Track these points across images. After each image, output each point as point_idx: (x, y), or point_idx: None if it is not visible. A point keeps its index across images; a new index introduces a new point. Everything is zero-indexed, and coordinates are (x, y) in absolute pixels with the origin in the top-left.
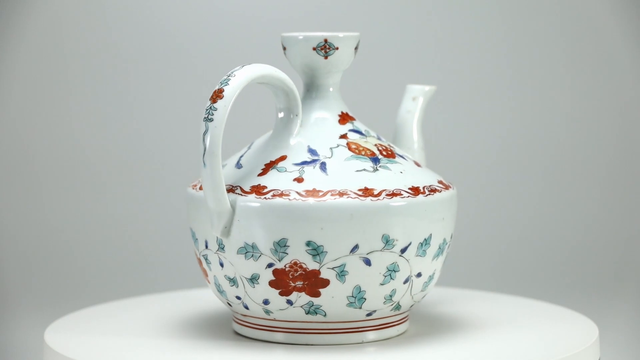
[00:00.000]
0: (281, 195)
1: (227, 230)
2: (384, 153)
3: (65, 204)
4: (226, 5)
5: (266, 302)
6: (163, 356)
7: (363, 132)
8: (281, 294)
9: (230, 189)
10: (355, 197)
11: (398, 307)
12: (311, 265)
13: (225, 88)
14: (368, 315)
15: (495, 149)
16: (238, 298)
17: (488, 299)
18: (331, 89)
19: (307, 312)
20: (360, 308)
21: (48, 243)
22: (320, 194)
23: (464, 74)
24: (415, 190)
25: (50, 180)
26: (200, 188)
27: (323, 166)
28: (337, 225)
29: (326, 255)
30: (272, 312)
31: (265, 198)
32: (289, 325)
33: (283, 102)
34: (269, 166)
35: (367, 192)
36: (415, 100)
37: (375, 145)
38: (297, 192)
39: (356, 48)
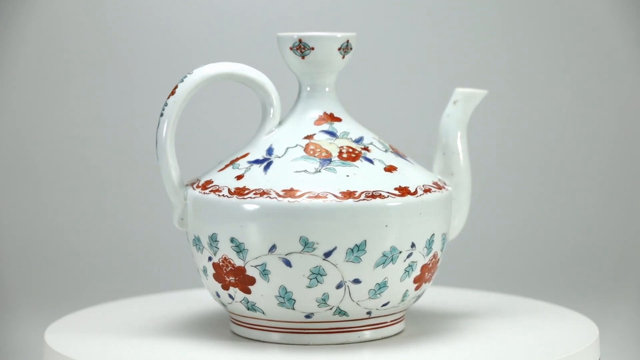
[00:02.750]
0: (215, 191)
1: (183, 222)
2: (345, 155)
3: (65, 204)
4: (229, 6)
5: (217, 294)
6: (163, 356)
7: (338, 133)
8: (222, 287)
9: (192, 183)
10: (274, 198)
11: (342, 312)
12: (237, 261)
13: (179, 85)
14: (307, 317)
15: (494, 149)
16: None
17: (488, 299)
18: (327, 89)
19: (247, 309)
20: (294, 309)
21: (48, 243)
22: (246, 192)
23: (463, 74)
24: (348, 195)
25: (50, 180)
26: (194, 185)
27: (268, 165)
28: (255, 224)
29: (248, 253)
30: (226, 305)
31: (204, 193)
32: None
33: (261, 99)
34: (232, 162)
35: (289, 193)
36: (455, 104)
37: (341, 147)
38: (228, 189)
39: (343, 49)
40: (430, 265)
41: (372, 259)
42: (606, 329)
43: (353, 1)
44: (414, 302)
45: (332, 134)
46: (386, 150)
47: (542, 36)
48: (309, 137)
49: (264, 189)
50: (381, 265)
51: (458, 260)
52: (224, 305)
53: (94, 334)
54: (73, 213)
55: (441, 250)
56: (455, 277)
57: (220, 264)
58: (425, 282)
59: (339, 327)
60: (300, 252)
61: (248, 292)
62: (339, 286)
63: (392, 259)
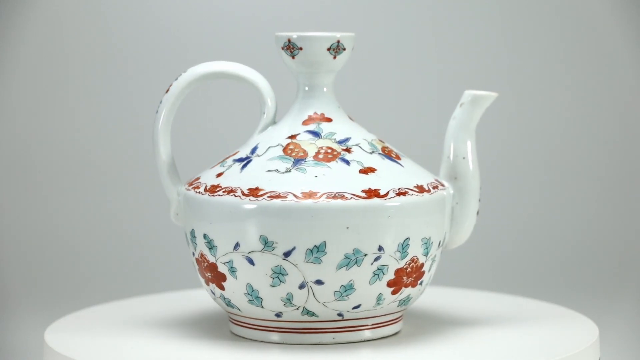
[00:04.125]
0: (195, 188)
1: (179, 217)
2: (320, 156)
3: (65, 204)
4: (232, 6)
5: (206, 289)
6: (163, 356)
7: (323, 134)
8: (205, 283)
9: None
10: (238, 196)
11: (309, 312)
12: (210, 258)
13: (174, 83)
14: (277, 316)
15: (494, 149)
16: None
17: (488, 299)
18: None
19: (226, 305)
20: (263, 307)
21: (48, 243)
22: (217, 190)
23: (463, 74)
24: (308, 195)
25: (50, 181)
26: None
27: (246, 164)
28: (221, 221)
29: (217, 250)
30: (214, 300)
31: (187, 189)
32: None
33: (257, 98)
34: (223, 160)
35: (252, 192)
36: (462, 107)
37: (320, 147)
38: (205, 187)
39: (334, 49)
40: (410, 270)
41: (333, 260)
42: (606, 329)
43: (353, 1)
44: (400, 305)
45: (315, 134)
46: (372, 152)
47: (542, 36)
48: (292, 136)
49: (232, 187)
50: (344, 267)
51: (458, 261)
52: (214, 299)
53: (94, 334)
54: (73, 213)
55: (425, 255)
56: (456, 278)
57: (199, 259)
58: (407, 287)
59: (311, 328)
60: (261, 251)
61: (222, 288)
62: (301, 286)
63: (356, 262)
